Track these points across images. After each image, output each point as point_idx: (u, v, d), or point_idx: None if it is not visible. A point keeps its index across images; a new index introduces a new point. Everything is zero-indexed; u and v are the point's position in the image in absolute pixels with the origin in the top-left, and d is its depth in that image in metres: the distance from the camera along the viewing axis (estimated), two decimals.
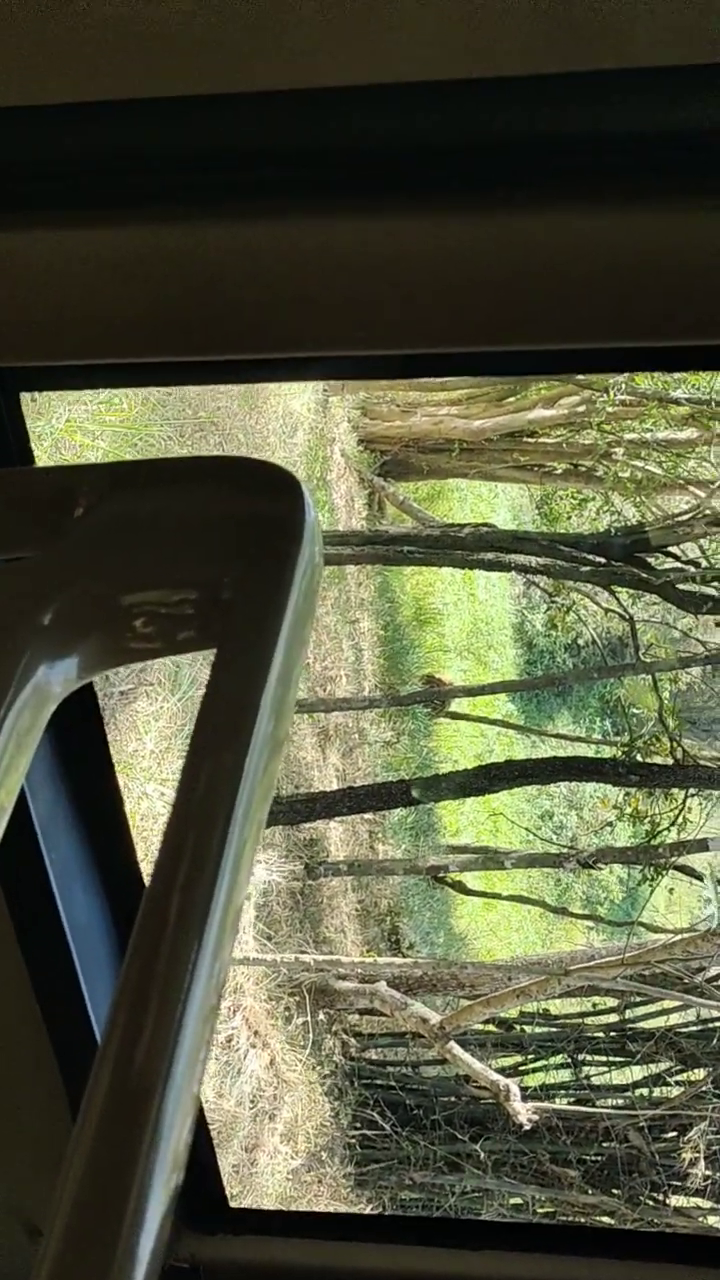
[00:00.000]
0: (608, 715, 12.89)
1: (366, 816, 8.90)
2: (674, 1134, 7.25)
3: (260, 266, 0.93)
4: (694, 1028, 7.93)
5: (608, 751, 10.08)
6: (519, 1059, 8.42)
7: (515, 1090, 6.91)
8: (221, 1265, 1.55)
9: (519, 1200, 7.60)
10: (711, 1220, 7.28)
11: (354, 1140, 7.67)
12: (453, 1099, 7.84)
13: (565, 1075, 8.33)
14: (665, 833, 7.78)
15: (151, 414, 6.81)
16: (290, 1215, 4.27)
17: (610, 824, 9.56)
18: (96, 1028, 1.35)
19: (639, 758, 7.99)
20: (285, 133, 0.86)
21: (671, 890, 9.58)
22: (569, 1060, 8.27)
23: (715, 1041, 7.61)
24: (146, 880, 0.48)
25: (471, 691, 10.17)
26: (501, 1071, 7.51)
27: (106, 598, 0.58)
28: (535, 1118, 7.02)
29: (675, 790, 7.70)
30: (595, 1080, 8.16)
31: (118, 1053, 0.43)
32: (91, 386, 3.98)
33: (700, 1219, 7.28)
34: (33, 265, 0.95)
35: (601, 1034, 8.26)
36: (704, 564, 8.05)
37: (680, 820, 7.71)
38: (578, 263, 0.88)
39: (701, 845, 7.68)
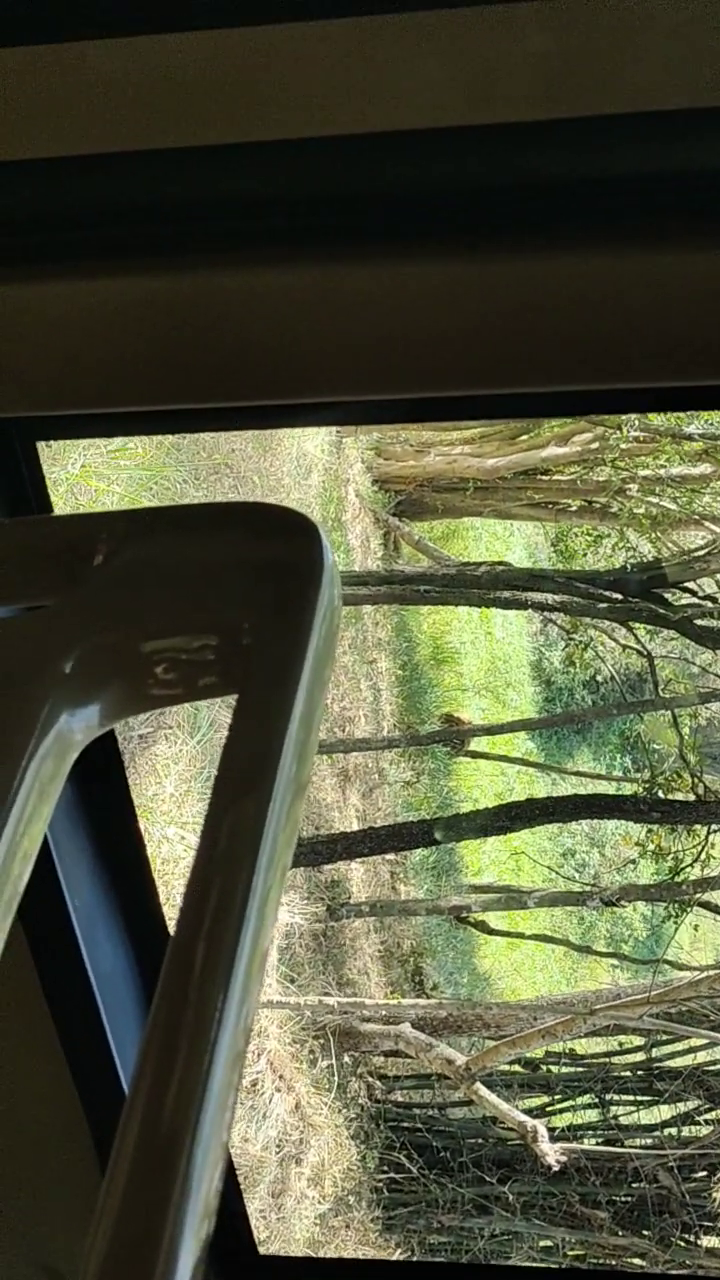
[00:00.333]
0: (628, 752, 12.81)
1: (388, 857, 8.85)
2: (704, 1173, 7.16)
3: (270, 313, 0.93)
4: None
5: (629, 788, 10.02)
6: (546, 1099, 8.31)
7: (543, 1131, 6.82)
8: None
9: (549, 1243, 7.50)
10: None
11: (381, 1184, 7.58)
12: (480, 1140, 7.75)
13: (593, 1115, 8.23)
14: (688, 869, 7.74)
15: (166, 457, 6.84)
16: (318, 1262, 4.23)
17: (633, 861, 9.47)
18: (123, 1076, 1.34)
19: (660, 794, 7.95)
20: (292, 180, 0.87)
21: (696, 927, 9.48)
22: (596, 1100, 8.16)
23: None
24: (170, 926, 0.48)
25: (491, 730, 10.13)
26: (528, 1112, 7.42)
27: (127, 645, 0.58)
28: (564, 1159, 6.92)
29: (697, 826, 7.65)
30: (623, 1120, 8.07)
31: (146, 1102, 0.43)
32: (106, 435, 4.01)
33: None
34: (44, 316, 0.96)
35: (629, 1073, 8.16)
36: None
37: (703, 856, 7.67)
38: (586, 305, 0.89)
39: None
